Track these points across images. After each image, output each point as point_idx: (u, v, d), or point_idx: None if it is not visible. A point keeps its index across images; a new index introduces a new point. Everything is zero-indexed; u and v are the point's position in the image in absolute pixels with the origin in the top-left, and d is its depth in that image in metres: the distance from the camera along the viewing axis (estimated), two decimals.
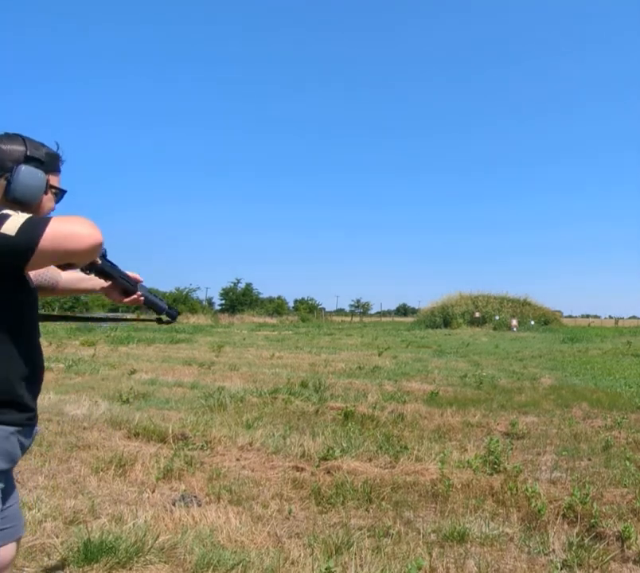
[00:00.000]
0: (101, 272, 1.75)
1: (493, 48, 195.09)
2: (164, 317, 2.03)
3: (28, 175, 1.54)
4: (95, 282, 1.89)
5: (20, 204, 1.54)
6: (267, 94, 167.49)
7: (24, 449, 1.61)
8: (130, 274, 1.83)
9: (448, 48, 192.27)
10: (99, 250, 1.49)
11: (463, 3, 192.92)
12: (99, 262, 1.68)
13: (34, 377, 1.63)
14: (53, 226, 1.41)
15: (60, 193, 1.69)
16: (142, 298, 1.86)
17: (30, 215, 1.43)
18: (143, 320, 2.04)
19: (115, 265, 1.76)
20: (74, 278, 1.95)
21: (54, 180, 1.66)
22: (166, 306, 1.98)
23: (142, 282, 1.87)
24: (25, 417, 1.58)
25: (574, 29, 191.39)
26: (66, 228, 1.41)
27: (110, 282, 1.79)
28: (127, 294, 1.84)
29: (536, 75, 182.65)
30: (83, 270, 1.68)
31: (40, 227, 1.39)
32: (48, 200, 1.64)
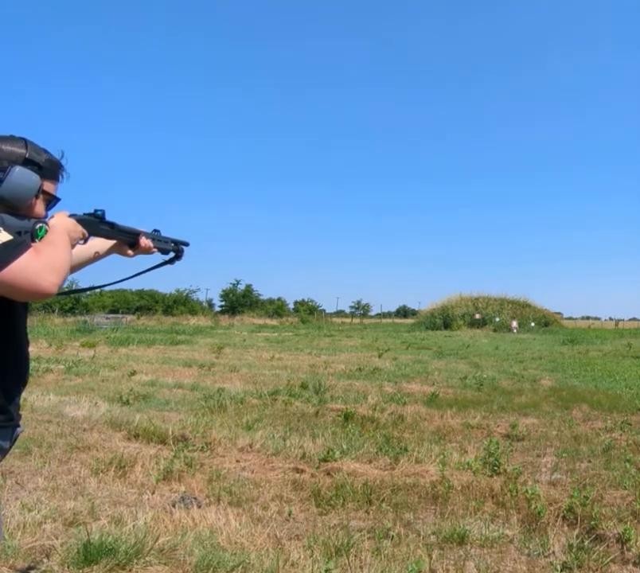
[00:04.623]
0: (99, 237, 1.82)
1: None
2: (169, 257, 2.08)
3: (20, 175, 1.52)
4: (91, 249, 1.90)
5: (8, 205, 1.52)
6: (266, 97, 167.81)
7: (2, 451, 1.57)
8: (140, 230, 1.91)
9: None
10: (41, 299, 1.48)
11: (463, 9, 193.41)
12: (87, 236, 1.74)
13: (15, 378, 1.61)
14: (25, 262, 1.37)
15: (53, 201, 1.67)
16: (151, 244, 1.94)
17: (12, 238, 1.40)
18: (152, 269, 2.06)
19: (114, 223, 1.83)
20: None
21: (50, 186, 1.63)
22: (171, 245, 2.04)
23: (142, 232, 1.93)
24: (1, 419, 1.55)
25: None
26: (33, 271, 1.38)
27: (114, 241, 1.89)
28: (133, 246, 1.91)
29: (524, 81, 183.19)
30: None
31: (12, 256, 1.36)
32: (39, 205, 1.61)
